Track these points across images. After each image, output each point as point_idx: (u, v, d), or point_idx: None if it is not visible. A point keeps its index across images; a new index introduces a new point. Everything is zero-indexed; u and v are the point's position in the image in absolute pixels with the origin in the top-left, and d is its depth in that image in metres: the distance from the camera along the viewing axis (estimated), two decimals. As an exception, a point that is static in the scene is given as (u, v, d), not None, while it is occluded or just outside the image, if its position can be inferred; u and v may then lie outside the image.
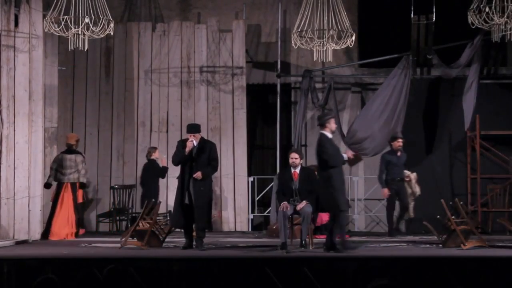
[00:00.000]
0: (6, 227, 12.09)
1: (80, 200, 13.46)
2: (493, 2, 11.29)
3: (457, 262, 9.08)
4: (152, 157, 14.19)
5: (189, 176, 10.74)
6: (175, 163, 10.96)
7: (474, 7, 11.42)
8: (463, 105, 14.24)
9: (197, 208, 10.69)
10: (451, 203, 10.99)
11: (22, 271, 8.77)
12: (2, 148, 12.22)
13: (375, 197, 15.00)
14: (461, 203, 11.11)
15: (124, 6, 15.84)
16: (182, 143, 10.94)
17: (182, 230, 11.11)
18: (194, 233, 11.00)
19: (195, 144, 10.78)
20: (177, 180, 11.02)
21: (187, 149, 10.73)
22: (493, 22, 11.33)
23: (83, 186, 13.40)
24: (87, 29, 11.24)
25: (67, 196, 13.16)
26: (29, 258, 9.35)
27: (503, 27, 11.32)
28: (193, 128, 11.00)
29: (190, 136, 10.87)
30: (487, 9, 11.24)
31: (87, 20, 11.15)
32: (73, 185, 13.22)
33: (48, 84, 13.37)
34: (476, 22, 11.47)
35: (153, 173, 14.04)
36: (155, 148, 14.37)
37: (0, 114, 12.25)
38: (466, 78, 14.52)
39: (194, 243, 10.78)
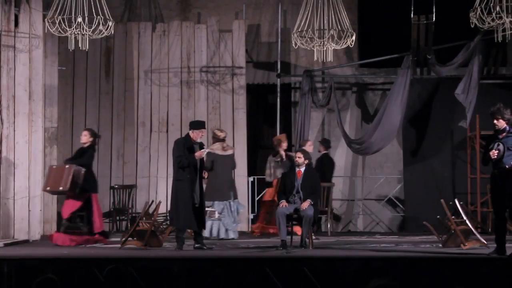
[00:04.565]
0: (6, 227, 12.10)
1: (266, 197, 13.73)
2: (495, 2, 11.29)
3: (457, 262, 9.08)
4: None
5: (199, 177, 10.72)
6: (184, 166, 10.63)
7: (476, 7, 11.41)
8: (465, 104, 14.24)
9: (202, 209, 10.78)
10: (451, 203, 11.00)
11: (22, 271, 8.76)
12: (2, 148, 12.23)
13: (375, 197, 15.02)
14: (461, 203, 11.11)
15: (124, 6, 15.84)
16: (186, 142, 10.77)
17: (174, 232, 11.05)
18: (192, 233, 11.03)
19: (205, 154, 10.80)
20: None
21: (197, 156, 10.63)
22: (496, 22, 11.32)
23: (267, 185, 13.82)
24: (83, 29, 11.24)
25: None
26: (29, 258, 9.35)
27: (510, 25, 11.31)
28: (203, 125, 10.97)
29: (199, 133, 10.77)
30: (492, 9, 11.23)
31: (79, 19, 11.15)
32: None
33: (48, 84, 13.38)
34: (475, 22, 11.47)
35: None
36: None
37: (0, 114, 12.26)
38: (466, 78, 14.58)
39: (197, 244, 10.75)
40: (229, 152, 13.02)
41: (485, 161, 9.72)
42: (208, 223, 12.25)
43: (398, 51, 14.76)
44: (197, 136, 10.75)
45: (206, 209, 12.01)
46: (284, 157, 13.35)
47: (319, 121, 15.61)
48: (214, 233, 12.67)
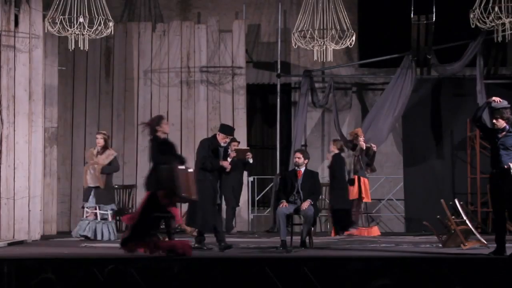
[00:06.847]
0: (6, 227, 12.09)
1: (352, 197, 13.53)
2: (495, 2, 11.30)
3: (457, 262, 9.08)
4: None
5: (222, 178, 10.69)
6: (207, 169, 10.55)
7: (476, 7, 11.42)
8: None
9: (219, 209, 10.76)
10: (451, 203, 11.00)
11: (22, 271, 8.76)
12: (2, 148, 12.22)
13: (375, 197, 15.00)
14: (461, 203, 11.11)
15: (124, 6, 15.85)
16: (211, 143, 10.67)
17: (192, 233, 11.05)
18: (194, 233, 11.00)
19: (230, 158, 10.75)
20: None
21: (224, 165, 10.55)
22: (496, 22, 11.33)
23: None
24: (84, 29, 11.24)
25: None
26: (29, 258, 9.35)
27: (509, 25, 11.32)
28: (232, 132, 10.92)
29: (225, 138, 10.69)
30: (491, 9, 11.24)
31: (81, 19, 11.15)
32: None
33: (48, 84, 13.38)
34: (476, 22, 11.48)
35: None
36: None
37: (0, 114, 12.26)
38: (467, 77, 14.58)
39: (197, 244, 10.72)
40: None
41: (476, 116, 9.61)
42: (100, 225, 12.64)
43: (398, 51, 14.77)
44: (222, 140, 10.72)
45: (102, 212, 12.58)
46: (364, 147, 13.32)
47: (318, 121, 15.61)
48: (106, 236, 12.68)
